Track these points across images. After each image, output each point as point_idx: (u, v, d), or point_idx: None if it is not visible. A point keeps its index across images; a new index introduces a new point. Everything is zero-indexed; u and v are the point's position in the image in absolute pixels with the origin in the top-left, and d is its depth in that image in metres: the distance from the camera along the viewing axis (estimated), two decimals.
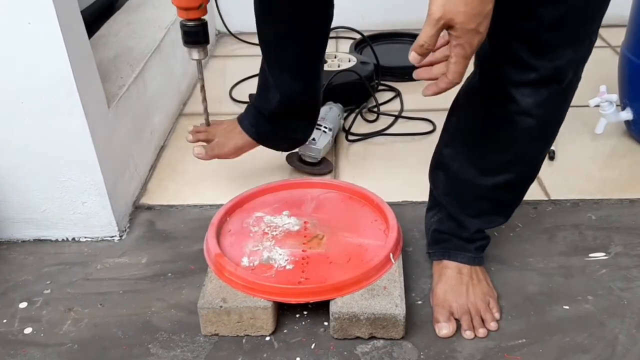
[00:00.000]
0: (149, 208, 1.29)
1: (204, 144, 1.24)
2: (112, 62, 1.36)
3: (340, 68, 1.67)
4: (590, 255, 1.12)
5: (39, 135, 1.08)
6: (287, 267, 1.01)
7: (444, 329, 0.96)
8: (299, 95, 1.18)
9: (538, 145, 0.96)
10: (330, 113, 1.45)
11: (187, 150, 1.48)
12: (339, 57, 1.76)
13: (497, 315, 0.98)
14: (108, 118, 1.17)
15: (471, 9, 0.69)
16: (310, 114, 1.26)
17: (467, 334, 0.96)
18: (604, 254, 1.12)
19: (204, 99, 1.02)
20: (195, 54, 0.95)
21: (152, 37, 1.52)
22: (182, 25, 0.93)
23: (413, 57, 0.74)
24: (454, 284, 1.01)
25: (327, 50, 1.74)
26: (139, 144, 1.35)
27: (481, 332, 0.96)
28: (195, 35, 0.93)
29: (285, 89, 1.16)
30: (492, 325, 0.97)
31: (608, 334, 0.96)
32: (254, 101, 1.24)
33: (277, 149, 1.31)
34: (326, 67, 1.69)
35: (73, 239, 1.20)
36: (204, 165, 1.35)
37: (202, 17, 0.92)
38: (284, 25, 1.08)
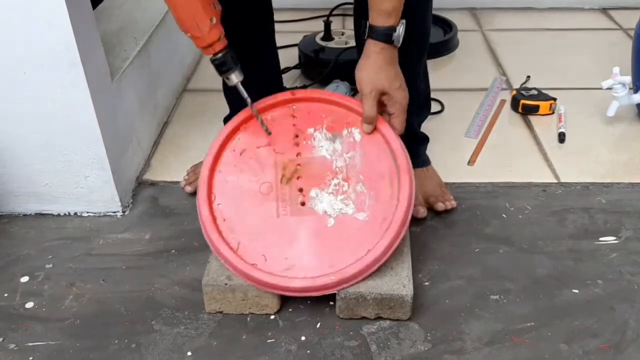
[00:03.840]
0: (152, 184, 1.27)
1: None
2: (115, 34, 1.34)
3: (347, 45, 1.64)
4: (601, 239, 1.10)
5: (41, 107, 1.06)
6: None
7: (421, 210, 1.14)
8: (267, 72, 1.25)
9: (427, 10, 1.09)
10: (337, 91, 1.43)
11: (191, 126, 1.46)
12: (346, 34, 1.73)
13: (450, 197, 1.17)
14: (111, 91, 1.15)
15: (388, 74, 0.96)
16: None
17: (440, 205, 1.15)
18: (614, 238, 1.11)
19: (257, 114, 1.03)
20: (234, 79, 0.98)
21: (157, 9, 1.49)
22: (212, 61, 0.96)
23: (368, 128, 1.00)
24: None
25: (334, 28, 1.73)
26: (143, 119, 1.33)
27: (447, 204, 1.15)
28: (225, 64, 0.96)
29: (254, 70, 1.15)
30: (453, 203, 1.16)
31: (618, 318, 0.95)
32: (229, 119, 1.26)
33: None
34: (333, 45, 1.67)
35: (75, 213, 1.18)
36: (207, 142, 1.32)
37: (224, 47, 0.95)
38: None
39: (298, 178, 1.00)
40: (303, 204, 0.98)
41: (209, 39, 0.92)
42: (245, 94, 1.00)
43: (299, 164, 1.01)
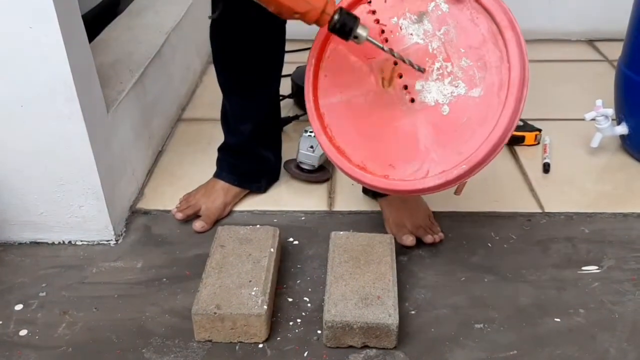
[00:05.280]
0: (146, 213, 1.29)
1: (200, 220, 1.24)
2: (112, 66, 1.37)
3: None
4: (583, 268, 1.13)
5: (38, 139, 1.09)
6: None
7: (409, 238, 1.16)
8: (269, 106, 1.29)
9: None
10: None
11: (184, 155, 1.49)
12: None
13: (438, 229, 1.19)
14: (107, 123, 1.18)
15: None
16: (276, 133, 1.36)
17: (428, 238, 1.17)
18: (596, 267, 1.13)
19: (401, 57, 0.91)
20: (362, 34, 0.86)
21: (153, 42, 1.53)
22: (333, 28, 0.85)
23: None
24: (402, 210, 1.19)
25: None
26: (137, 149, 1.36)
27: (436, 237, 1.17)
28: (346, 23, 0.85)
29: (255, 105, 1.25)
30: (441, 235, 1.18)
31: (599, 347, 0.97)
32: (224, 148, 1.33)
33: (258, 190, 1.34)
34: None
35: (69, 242, 1.20)
36: (201, 171, 1.36)
37: (336, 8, 0.85)
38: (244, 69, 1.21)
39: (400, 77, 0.94)
40: (412, 100, 0.92)
41: (319, 5, 0.83)
42: (380, 44, 0.89)
43: (394, 62, 0.94)
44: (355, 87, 0.96)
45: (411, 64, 0.90)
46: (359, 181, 0.98)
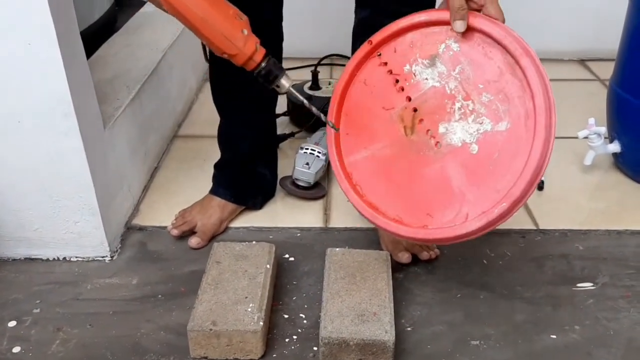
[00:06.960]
0: (141, 229, 1.29)
1: (196, 236, 1.24)
2: (109, 83, 1.38)
3: None
4: (578, 285, 1.13)
5: (34, 154, 1.09)
6: None
7: (405, 255, 1.16)
8: (265, 125, 1.31)
9: None
10: (324, 138, 1.47)
11: (180, 171, 1.49)
12: (333, 83, 1.78)
13: (434, 246, 1.20)
14: (104, 139, 1.18)
15: None
16: (272, 150, 1.37)
17: (424, 254, 1.17)
18: (591, 284, 1.13)
19: (317, 110, 0.95)
20: (285, 84, 0.91)
21: (150, 59, 1.53)
22: (258, 74, 0.90)
23: (461, 25, 0.86)
24: None
25: (321, 77, 1.78)
26: (133, 165, 1.36)
27: (432, 254, 1.18)
28: (271, 72, 0.89)
29: (252, 125, 1.27)
30: (436, 251, 1.19)
31: None
32: (221, 165, 1.33)
33: (254, 206, 1.35)
34: (320, 94, 1.71)
35: (64, 258, 1.20)
36: (197, 187, 1.36)
37: (264, 55, 0.89)
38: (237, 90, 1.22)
39: (420, 122, 0.92)
40: (438, 144, 0.91)
41: (247, 52, 0.87)
42: (300, 97, 0.92)
43: (414, 108, 0.93)
44: (378, 140, 0.95)
45: (326, 121, 0.93)
46: (398, 235, 0.94)
